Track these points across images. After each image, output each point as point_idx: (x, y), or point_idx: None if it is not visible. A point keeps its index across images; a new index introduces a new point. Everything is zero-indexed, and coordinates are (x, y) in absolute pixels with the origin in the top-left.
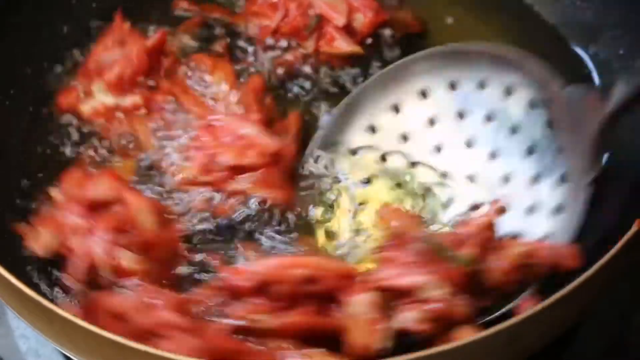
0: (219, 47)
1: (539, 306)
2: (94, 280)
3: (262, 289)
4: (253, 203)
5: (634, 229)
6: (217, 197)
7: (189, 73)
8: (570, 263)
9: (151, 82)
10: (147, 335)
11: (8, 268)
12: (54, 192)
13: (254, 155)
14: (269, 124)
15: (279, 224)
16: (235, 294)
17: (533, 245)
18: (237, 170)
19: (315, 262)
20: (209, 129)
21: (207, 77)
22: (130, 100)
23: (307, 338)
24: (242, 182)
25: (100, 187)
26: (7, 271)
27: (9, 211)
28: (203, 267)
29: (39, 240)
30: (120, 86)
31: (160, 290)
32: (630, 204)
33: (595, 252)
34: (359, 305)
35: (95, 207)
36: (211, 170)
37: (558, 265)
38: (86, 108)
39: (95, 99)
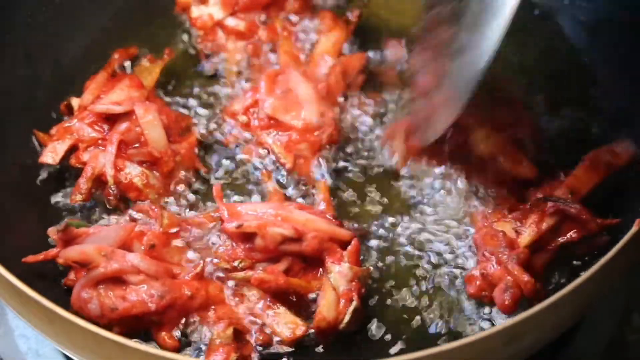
0: (351, 14)
1: (539, 306)
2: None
3: (246, 238)
4: (270, 161)
5: (634, 229)
6: (246, 137)
7: (304, 24)
8: None
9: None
10: (110, 283)
11: (8, 268)
12: (74, 101)
13: (295, 116)
14: (335, 102)
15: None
16: (224, 232)
17: None
18: (273, 124)
19: (303, 219)
20: (273, 78)
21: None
22: (235, 22)
23: (282, 294)
24: (271, 137)
25: (115, 98)
26: (7, 271)
27: None
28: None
29: (53, 150)
30: (235, 6)
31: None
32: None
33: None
34: (338, 274)
35: (109, 119)
36: (251, 114)
37: None
38: (195, 12)
39: (207, 7)
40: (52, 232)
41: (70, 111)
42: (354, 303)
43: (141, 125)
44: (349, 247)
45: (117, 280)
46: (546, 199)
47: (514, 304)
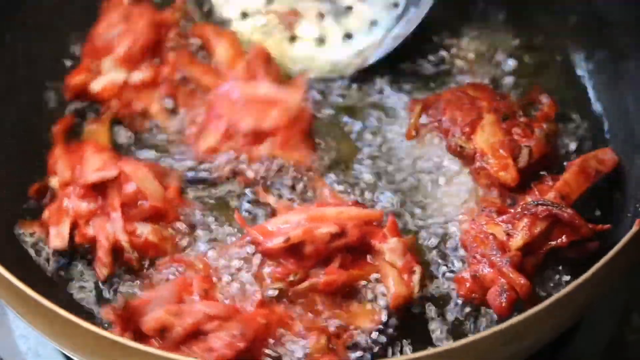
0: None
1: (539, 306)
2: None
3: (292, 249)
4: (275, 165)
5: (634, 229)
6: (241, 159)
7: (193, 43)
8: None
9: (157, 58)
10: (191, 340)
11: (8, 267)
12: (53, 182)
13: (275, 116)
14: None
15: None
16: (266, 253)
17: None
18: (258, 135)
19: (335, 213)
20: (223, 96)
21: (212, 47)
22: (139, 75)
23: (340, 292)
24: (265, 148)
25: (94, 166)
26: (7, 271)
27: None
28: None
29: (58, 234)
30: (130, 61)
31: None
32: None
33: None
34: (390, 251)
35: (99, 188)
36: (232, 137)
37: None
38: (96, 86)
39: (105, 76)
40: (108, 312)
41: (43, 193)
42: (418, 271)
43: (137, 183)
44: (387, 224)
45: (193, 334)
46: (539, 203)
47: (509, 307)
